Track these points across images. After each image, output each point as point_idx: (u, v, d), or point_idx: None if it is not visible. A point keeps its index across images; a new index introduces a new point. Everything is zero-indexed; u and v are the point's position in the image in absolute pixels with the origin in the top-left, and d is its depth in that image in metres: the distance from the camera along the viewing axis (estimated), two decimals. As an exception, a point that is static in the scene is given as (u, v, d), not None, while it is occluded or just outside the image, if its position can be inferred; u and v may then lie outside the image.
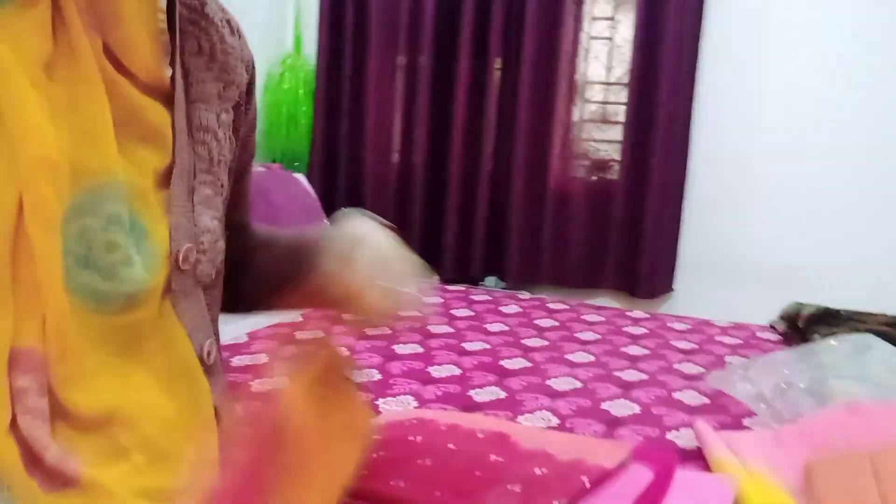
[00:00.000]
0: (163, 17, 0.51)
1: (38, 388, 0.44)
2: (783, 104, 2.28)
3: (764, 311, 2.03)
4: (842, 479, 0.90)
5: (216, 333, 0.62)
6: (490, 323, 1.76)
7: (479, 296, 2.05)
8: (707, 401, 1.32)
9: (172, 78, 0.55)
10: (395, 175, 2.53)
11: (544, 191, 2.41)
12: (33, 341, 0.44)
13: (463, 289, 2.14)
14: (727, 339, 1.77)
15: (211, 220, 0.58)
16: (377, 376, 1.32)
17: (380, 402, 1.20)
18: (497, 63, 2.41)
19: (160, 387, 0.51)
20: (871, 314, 1.77)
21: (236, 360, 1.34)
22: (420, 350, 1.50)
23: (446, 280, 2.40)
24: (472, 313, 1.85)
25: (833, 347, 1.38)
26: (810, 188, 2.28)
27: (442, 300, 1.96)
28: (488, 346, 1.56)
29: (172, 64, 0.55)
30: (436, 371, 1.38)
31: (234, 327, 1.47)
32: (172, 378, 0.52)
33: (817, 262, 2.28)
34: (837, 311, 1.76)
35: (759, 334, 1.84)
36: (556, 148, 2.41)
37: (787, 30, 2.25)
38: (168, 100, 0.54)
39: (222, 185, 0.60)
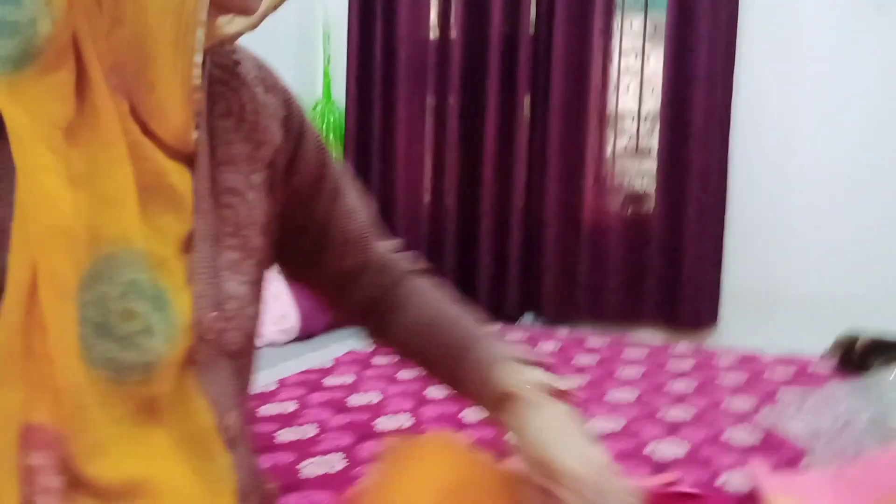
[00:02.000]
0: (198, 72, 0.50)
1: (53, 465, 0.43)
2: (821, 130, 2.22)
3: (813, 342, 1.93)
4: (914, 524, 0.83)
5: (244, 402, 0.60)
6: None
7: (514, 334, 2.00)
8: (759, 440, 1.24)
9: (197, 140, 0.54)
10: (426, 215, 2.52)
11: (579, 225, 2.37)
12: (46, 416, 0.43)
13: (498, 327, 2.09)
14: (777, 373, 1.68)
15: (239, 286, 0.56)
16: (408, 423, 1.28)
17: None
18: (526, 100, 2.40)
19: (180, 460, 0.49)
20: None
21: (264, 409, 1.31)
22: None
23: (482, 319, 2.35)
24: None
25: (889, 378, 1.30)
26: (853, 214, 2.20)
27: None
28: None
29: (198, 126, 0.54)
30: (469, 416, 1.33)
31: (264, 374, 1.44)
32: (192, 451, 0.50)
33: (866, 291, 2.18)
34: (895, 341, 1.66)
35: (811, 367, 1.75)
36: (589, 182, 2.38)
37: (821, 60, 2.21)
38: (193, 163, 0.53)
39: (254, 249, 0.59)
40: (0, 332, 0.42)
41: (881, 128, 2.16)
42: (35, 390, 0.43)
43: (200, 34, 0.48)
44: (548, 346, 1.87)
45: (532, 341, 1.92)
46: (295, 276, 0.75)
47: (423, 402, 1.38)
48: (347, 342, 1.81)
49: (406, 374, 1.56)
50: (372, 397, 1.39)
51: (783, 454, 1.17)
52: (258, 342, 0.63)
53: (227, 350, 0.55)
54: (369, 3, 2.50)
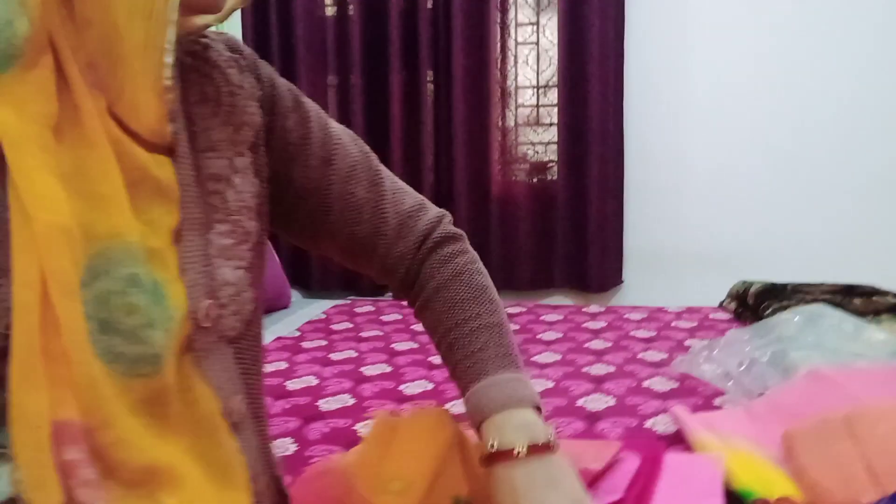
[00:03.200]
0: (169, 72, 0.50)
1: (87, 458, 0.44)
2: (710, 93, 2.36)
3: (711, 293, 2.09)
4: (821, 444, 0.93)
5: (250, 386, 0.60)
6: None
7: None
8: (676, 385, 1.34)
9: (175, 130, 0.54)
10: (336, 195, 2.50)
11: (487, 198, 2.42)
12: (73, 412, 0.43)
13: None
14: (682, 324, 1.81)
15: (232, 272, 0.56)
16: (350, 401, 1.30)
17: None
18: (429, 75, 2.42)
19: (189, 448, 0.50)
20: (814, 284, 1.84)
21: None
22: (388, 369, 1.48)
23: (399, 296, 2.38)
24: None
25: (788, 320, 1.43)
26: (742, 172, 2.36)
27: (400, 315, 1.94)
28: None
29: (174, 116, 0.53)
30: (408, 389, 1.36)
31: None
32: (200, 439, 0.50)
33: (756, 243, 2.36)
34: (784, 285, 1.82)
35: (711, 315, 1.89)
36: (494, 154, 2.43)
37: (710, 21, 2.33)
38: (174, 153, 0.53)
39: (247, 232, 0.59)
40: (19, 335, 0.42)
41: (771, 88, 2.31)
42: (58, 388, 0.43)
43: (171, 34, 0.48)
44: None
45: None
46: (311, 247, 0.74)
47: (360, 380, 1.40)
48: (273, 328, 1.80)
49: (338, 355, 1.57)
50: (309, 380, 1.39)
51: (699, 396, 1.28)
52: (259, 325, 0.63)
53: (226, 336, 0.56)
54: (261, -20, 2.43)
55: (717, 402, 1.24)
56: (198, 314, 0.52)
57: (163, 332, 0.48)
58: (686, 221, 2.42)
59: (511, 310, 2.00)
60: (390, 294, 2.45)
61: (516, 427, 0.60)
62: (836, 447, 0.91)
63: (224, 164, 0.58)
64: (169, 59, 0.49)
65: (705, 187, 2.39)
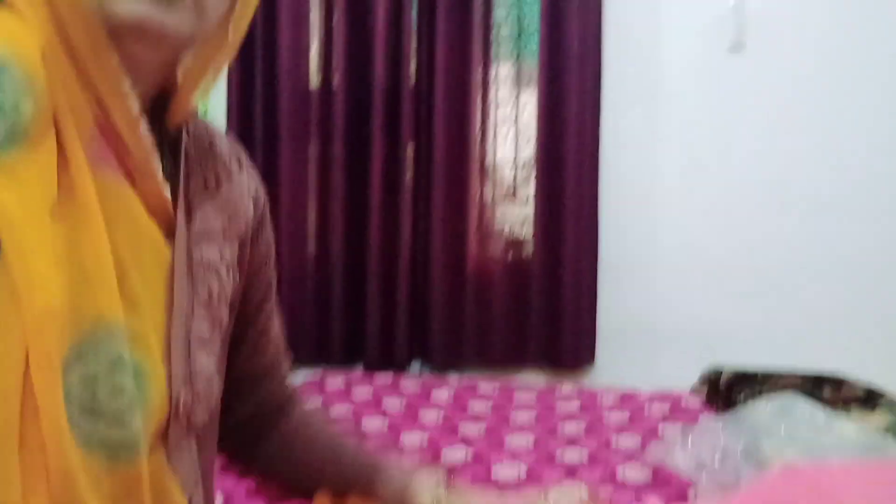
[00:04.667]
0: (145, 147, 0.51)
1: None
2: (683, 172, 2.40)
3: (684, 372, 2.09)
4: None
5: (206, 481, 0.59)
6: (424, 409, 1.73)
7: (408, 383, 2.01)
8: (649, 475, 1.33)
9: (176, 215, 0.55)
10: (312, 265, 2.49)
11: (463, 272, 2.43)
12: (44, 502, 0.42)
13: (390, 376, 2.10)
14: (656, 408, 1.80)
15: (207, 362, 0.56)
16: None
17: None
18: (409, 149, 2.46)
19: None
20: (783, 373, 1.85)
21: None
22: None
23: (371, 367, 2.35)
24: (404, 403, 1.81)
25: (760, 409, 1.43)
26: (715, 253, 2.39)
27: (371, 390, 1.91)
28: (425, 437, 1.52)
29: (175, 201, 0.54)
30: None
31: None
32: None
33: (729, 322, 2.37)
34: (755, 373, 1.83)
35: (684, 401, 1.88)
36: (471, 229, 2.45)
37: (682, 103, 2.40)
38: (171, 234, 0.54)
39: (221, 323, 0.59)
40: None
41: (741, 169, 2.36)
42: (32, 478, 0.41)
43: (135, 107, 0.50)
44: (441, 395, 1.90)
45: (424, 390, 1.94)
46: None
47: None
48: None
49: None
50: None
51: (672, 487, 1.26)
52: (217, 417, 0.62)
53: (194, 427, 0.55)
54: (248, 51, 2.47)
55: (690, 494, 1.23)
56: (178, 403, 0.52)
57: (143, 418, 0.47)
58: (659, 300, 2.44)
59: (484, 386, 1.98)
60: (360, 365, 2.42)
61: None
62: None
63: (214, 252, 0.58)
64: (143, 130, 0.50)
65: (678, 266, 2.42)
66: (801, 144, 2.34)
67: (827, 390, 1.69)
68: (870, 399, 1.63)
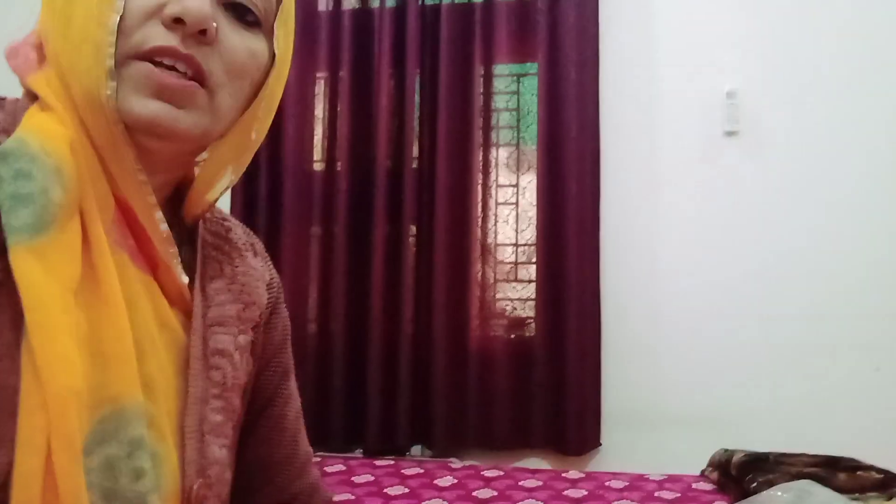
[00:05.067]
0: (163, 231, 0.53)
1: None
2: (685, 251, 2.43)
3: (691, 456, 2.04)
4: None
5: None
6: (427, 500, 1.67)
7: (410, 469, 1.96)
8: (664, 567, 1.27)
9: (192, 302, 0.56)
10: (313, 345, 2.47)
11: (465, 353, 2.41)
12: None
13: (392, 461, 2.04)
14: (665, 494, 1.75)
15: (220, 450, 0.55)
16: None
17: None
18: (411, 230, 2.48)
19: None
20: (796, 455, 1.80)
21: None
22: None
23: (372, 452, 2.29)
24: (407, 490, 1.75)
25: (775, 496, 1.39)
26: (719, 335, 2.39)
27: (372, 476, 1.86)
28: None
29: (192, 289, 0.55)
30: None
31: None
32: None
33: (736, 404, 2.34)
34: (766, 455, 1.79)
35: (694, 485, 1.83)
36: (474, 309, 2.44)
37: (679, 186, 2.45)
38: (187, 320, 0.55)
39: (234, 411, 0.58)
40: None
41: (740, 250, 2.39)
42: None
43: (152, 198, 0.52)
44: (445, 481, 1.84)
45: (428, 475, 1.89)
46: None
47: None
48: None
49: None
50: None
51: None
52: None
53: None
54: (254, 135, 2.53)
55: (708, 587, 1.18)
56: (191, 491, 0.51)
57: (161, 502, 0.46)
58: (664, 382, 2.41)
59: (488, 472, 1.92)
60: (360, 450, 2.37)
61: None
62: None
63: (229, 339, 0.58)
64: (160, 218, 0.52)
65: (682, 347, 2.41)
66: (800, 223, 2.38)
67: (842, 476, 1.64)
68: (887, 484, 1.59)
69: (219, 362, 0.57)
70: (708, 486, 1.83)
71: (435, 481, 1.83)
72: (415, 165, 2.49)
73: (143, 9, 0.49)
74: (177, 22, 0.49)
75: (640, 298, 2.45)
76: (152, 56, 0.49)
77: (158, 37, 0.49)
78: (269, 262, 0.68)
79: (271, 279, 0.66)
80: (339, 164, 2.52)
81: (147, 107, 0.49)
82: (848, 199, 2.37)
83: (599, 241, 2.44)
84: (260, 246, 0.67)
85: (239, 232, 0.64)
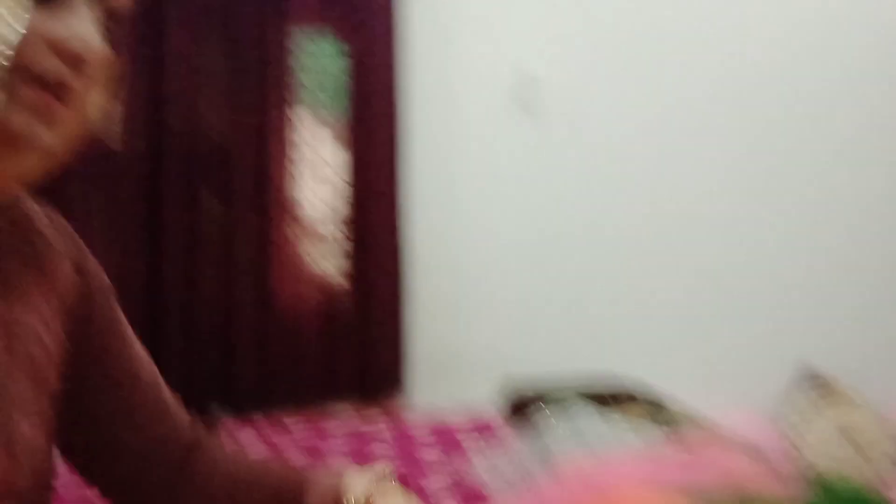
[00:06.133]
0: None
1: None
2: (482, 210, 2.60)
3: (486, 394, 2.22)
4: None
5: None
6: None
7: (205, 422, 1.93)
8: (454, 486, 1.39)
9: None
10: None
11: (270, 311, 2.40)
12: None
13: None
14: (462, 427, 1.89)
15: (31, 430, 0.53)
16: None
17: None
18: (210, 190, 2.39)
19: None
20: (574, 384, 2.02)
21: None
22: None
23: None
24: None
25: (551, 422, 1.56)
26: (512, 281, 2.60)
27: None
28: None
29: None
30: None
31: None
32: None
33: (526, 344, 2.57)
34: (549, 388, 1.98)
35: (488, 420, 2.00)
36: (278, 268, 2.43)
37: (480, 149, 2.61)
38: None
39: (49, 392, 0.56)
40: None
41: (533, 213, 2.61)
42: None
43: None
44: (247, 434, 1.85)
45: (230, 430, 1.88)
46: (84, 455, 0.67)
47: None
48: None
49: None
50: None
51: (475, 497, 1.33)
52: (51, 489, 0.58)
53: (14, 497, 0.51)
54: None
55: (490, 500, 1.31)
56: None
57: None
58: (464, 327, 2.58)
59: (293, 422, 1.96)
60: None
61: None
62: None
63: (34, 317, 0.56)
64: None
65: (480, 296, 2.59)
66: (585, 192, 2.64)
67: (608, 399, 1.88)
68: (644, 406, 1.84)
69: (23, 338, 0.54)
70: (498, 419, 2.00)
71: (238, 435, 1.83)
72: (214, 125, 2.40)
73: None
74: None
75: (443, 253, 2.59)
76: None
77: None
78: (76, 237, 0.65)
79: (78, 255, 0.64)
80: (139, 143, 2.36)
81: None
82: (637, 173, 2.66)
83: (403, 196, 2.52)
84: (62, 222, 0.65)
85: (36, 211, 0.62)
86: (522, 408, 1.95)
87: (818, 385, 2.46)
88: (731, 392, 2.47)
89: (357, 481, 0.66)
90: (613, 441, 1.42)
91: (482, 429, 1.87)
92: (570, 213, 2.63)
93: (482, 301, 2.59)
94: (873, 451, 2.21)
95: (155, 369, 0.70)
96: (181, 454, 0.68)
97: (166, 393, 0.70)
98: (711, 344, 2.66)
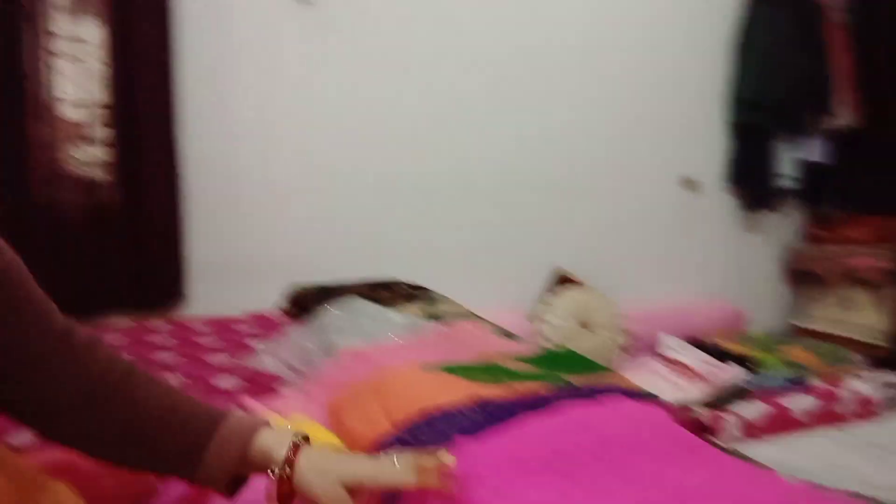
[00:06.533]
0: None
1: None
2: (258, 113, 2.58)
3: (272, 299, 2.31)
4: (355, 407, 1.19)
5: None
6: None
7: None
8: (243, 381, 1.50)
9: None
10: None
11: (31, 218, 2.24)
12: None
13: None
14: (247, 328, 1.98)
15: None
16: None
17: None
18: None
19: None
20: (354, 284, 2.19)
21: None
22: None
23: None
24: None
25: (332, 314, 1.71)
26: (292, 185, 2.65)
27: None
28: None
29: None
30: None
31: None
32: None
33: (309, 250, 2.67)
34: (330, 286, 2.13)
35: (273, 319, 2.11)
36: (37, 172, 2.26)
37: (254, 47, 2.55)
38: None
39: None
40: None
41: (307, 109, 2.64)
42: None
43: None
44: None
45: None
46: None
47: None
48: None
49: None
50: None
51: (264, 387, 1.46)
52: None
53: None
54: None
55: (279, 389, 1.44)
56: None
57: None
58: (245, 233, 2.61)
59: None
60: None
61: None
62: (366, 407, 1.18)
63: None
64: None
65: (261, 200, 2.62)
66: (371, 84, 2.72)
67: (384, 293, 2.07)
68: (413, 296, 2.06)
69: None
70: (285, 319, 2.12)
71: None
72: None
73: None
74: None
75: (222, 156, 2.55)
76: None
77: None
78: None
79: None
80: None
81: None
82: (417, 67, 2.79)
83: (175, 94, 2.42)
84: None
85: None
86: (305, 305, 2.08)
87: (562, 280, 2.92)
88: (497, 295, 2.84)
89: (270, 439, 0.76)
90: (388, 331, 1.61)
91: (266, 325, 1.98)
92: (351, 111, 2.71)
93: (263, 202, 2.62)
94: (600, 328, 2.70)
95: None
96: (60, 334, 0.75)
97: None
98: (480, 252, 2.98)
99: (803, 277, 3.57)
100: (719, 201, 3.51)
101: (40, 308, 0.75)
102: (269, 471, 0.75)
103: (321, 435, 1.14)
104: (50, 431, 0.75)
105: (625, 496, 0.84)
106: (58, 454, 1.02)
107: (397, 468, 0.77)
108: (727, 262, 3.55)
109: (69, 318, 0.79)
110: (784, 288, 3.70)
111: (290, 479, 0.74)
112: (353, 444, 1.10)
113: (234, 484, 0.77)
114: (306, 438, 0.79)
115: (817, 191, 3.57)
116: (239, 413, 0.80)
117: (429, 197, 2.89)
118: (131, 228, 2.38)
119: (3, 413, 0.74)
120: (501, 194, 3.03)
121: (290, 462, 0.74)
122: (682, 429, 1.02)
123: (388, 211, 2.80)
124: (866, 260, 3.22)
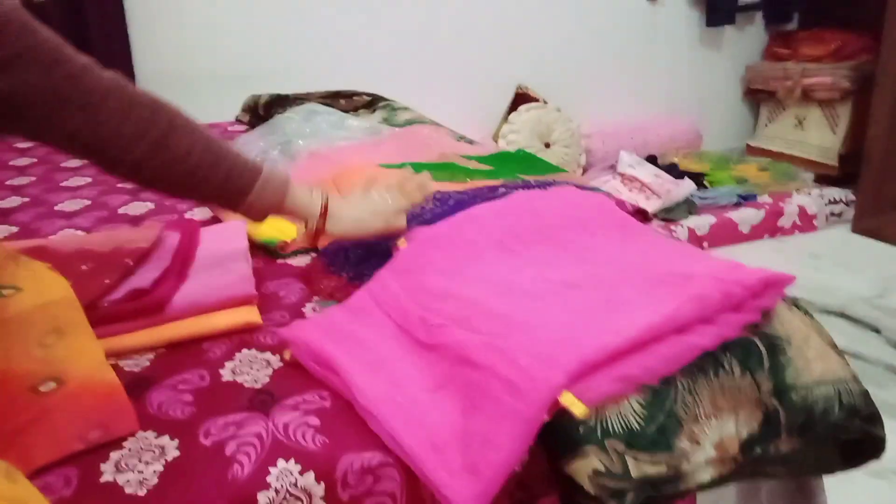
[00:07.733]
0: None
1: None
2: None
3: (227, 109, 2.27)
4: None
5: None
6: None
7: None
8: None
9: None
10: None
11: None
12: None
13: None
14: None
15: None
16: None
17: None
18: None
19: None
20: (312, 93, 2.16)
21: None
22: None
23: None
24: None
25: (290, 118, 1.70)
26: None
27: None
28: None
29: None
30: None
31: None
32: None
33: (262, 59, 2.60)
34: (287, 95, 2.10)
35: (229, 129, 2.08)
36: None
37: None
38: None
39: None
40: None
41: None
42: None
43: None
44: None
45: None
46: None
47: None
48: None
49: None
50: None
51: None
52: None
53: None
54: None
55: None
56: None
57: None
58: (197, 43, 2.51)
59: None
60: None
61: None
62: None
63: None
64: None
65: (209, 9, 2.49)
66: None
67: (342, 101, 2.05)
68: (372, 104, 2.05)
69: None
70: (241, 128, 2.10)
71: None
72: None
73: None
74: None
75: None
76: None
77: None
78: None
79: None
80: None
81: None
82: None
83: None
84: None
85: None
86: (261, 113, 2.06)
87: (522, 98, 2.92)
88: (461, 114, 2.82)
89: (305, 198, 0.95)
90: (347, 135, 1.62)
91: (225, 137, 1.97)
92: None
93: (211, 12, 2.51)
94: (560, 145, 2.74)
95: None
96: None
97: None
98: (443, 71, 2.92)
99: (761, 96, 3.60)
100: (681, 16, 3.43)
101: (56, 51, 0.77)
102: (304, 224, 0.97)
103: (281, 226, 1.18)
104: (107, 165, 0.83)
105: (567, 266, 0.91)
106: (31, 242, 1.06)
107: (389, 203, 1.01)
108: (689, 80, 3.55)
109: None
110: (742, 107, 3.74)
111: (322, 228, 0.97)
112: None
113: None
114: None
115: (782, 5, 3.51)
116: (269, 165, 0.94)
117: (390, 7, 2.77)
118: (72, 39, 2.26)
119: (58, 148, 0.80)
120: (463, 13, 2.93)
121: (323, 216, 0.97)
122: (625, 214, 1.09)
123: (347, 19, 2.70)
124: (823, 79, 3.24)
